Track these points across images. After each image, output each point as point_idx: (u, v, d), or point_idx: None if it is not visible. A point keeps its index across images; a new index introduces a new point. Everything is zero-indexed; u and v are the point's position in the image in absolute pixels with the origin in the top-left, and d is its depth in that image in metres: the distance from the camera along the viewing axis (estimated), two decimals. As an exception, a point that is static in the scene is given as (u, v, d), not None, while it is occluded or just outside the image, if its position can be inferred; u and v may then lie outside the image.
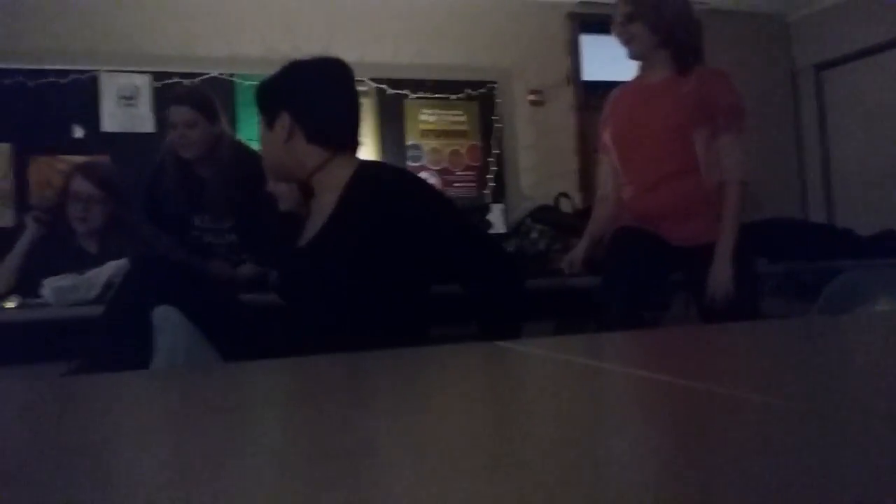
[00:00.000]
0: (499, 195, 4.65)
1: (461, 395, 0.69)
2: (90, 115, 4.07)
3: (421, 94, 4.65)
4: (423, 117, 4.66)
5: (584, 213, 2.86)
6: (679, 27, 2.33)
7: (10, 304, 2.05)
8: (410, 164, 4.52)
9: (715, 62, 2.53)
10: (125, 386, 0.91)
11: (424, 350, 1.17)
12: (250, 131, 4.29)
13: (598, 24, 4.66)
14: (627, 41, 2.38)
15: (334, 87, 1.72)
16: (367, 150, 4.41)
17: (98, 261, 2.19)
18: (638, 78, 2.46)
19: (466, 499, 0.34)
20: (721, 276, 2.19)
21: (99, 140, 4.05)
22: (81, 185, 2.39)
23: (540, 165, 4.81)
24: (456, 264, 1.66)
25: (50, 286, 2.06)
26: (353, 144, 1.75)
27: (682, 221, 2.31)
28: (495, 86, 4.78)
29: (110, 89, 4.12)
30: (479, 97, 4.75)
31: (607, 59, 5.00)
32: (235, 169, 2.47)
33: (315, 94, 1.70)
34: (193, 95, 2.58)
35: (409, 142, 4.62)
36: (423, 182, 1.82)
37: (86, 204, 2.38)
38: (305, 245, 1.67)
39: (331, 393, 0.75)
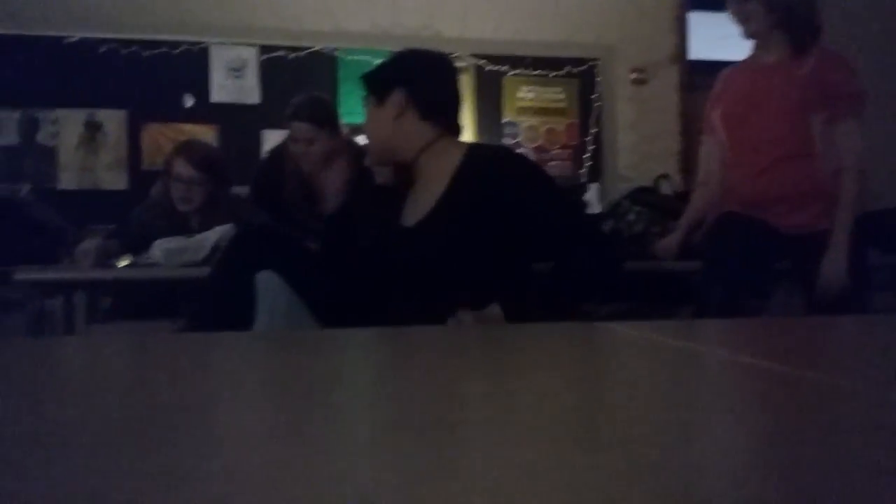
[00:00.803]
0: (595, 175, 4.58)
1: (556, 372, 0.68)
2: (200, 85, 4.23)
3: (520, 71, 4.60)
4: (521, 94, 4.61)
5: (684, 196, 2.78)
6: (797, 6, 2.22)
7: (123, 263, 2.17)
8: (505, 141, 4.50)
9: (834, 42, 2.39)
10: (226, 346, 0.95)
11: (523, 327, 1.17)
12: (351, 105, 4.37)
13: (708, 1, 4.49)
14: (743, 20, 2.29)
15: (445, 73, 1.75)
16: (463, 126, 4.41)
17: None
18: (752, 58, 2.36)
19: (551, 470, 0.34)
20: (835, 266, 2.10)
21: (207, 110, 4.21)
22: (183, 169, 2.48)
23: (639, 146, 4.69)
24: (558, 245, 1.62)
25: (160, 247, 2.16)
26: (458, 130, 1.76)
27: (792, 208, 2.21)
28: (597, 63, 4.68)
29: (219, 61, 4.26)
30: (579, 75, 4.66)
31: (716, 38, 4.81)
32: (352, 173, 2.51)
33: (429, 74, 1.73)
34: (315, 111, 2.59)
35: (506, 119, 4.59)
36: (534, 165, 1.80)
37: (187, 185, 2.46)
38: (414, 225, 1.67)
39: (426, 363, 0.76)
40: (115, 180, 4.12)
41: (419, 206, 1.69)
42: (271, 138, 4.23)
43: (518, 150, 4.30)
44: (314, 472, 0.33)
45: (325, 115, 2.58)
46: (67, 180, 4.06)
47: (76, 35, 4.07)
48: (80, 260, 2.25)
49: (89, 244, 2.28)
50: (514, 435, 0.41)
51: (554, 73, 4.59)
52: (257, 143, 4.19)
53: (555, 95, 4.61)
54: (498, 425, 0.43)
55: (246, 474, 0.33)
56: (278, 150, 2.79)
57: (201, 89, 4.23)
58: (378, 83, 1.72)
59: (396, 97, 1.68)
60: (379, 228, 1.81)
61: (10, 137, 4.02)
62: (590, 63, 4.67)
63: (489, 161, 1.64)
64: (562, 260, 1.60)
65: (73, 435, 0.41)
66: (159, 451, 0.37)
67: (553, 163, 4.53)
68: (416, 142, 1.68)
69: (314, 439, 0.40)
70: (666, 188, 2.87)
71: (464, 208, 1.59)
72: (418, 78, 1.71)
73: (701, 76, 4.56)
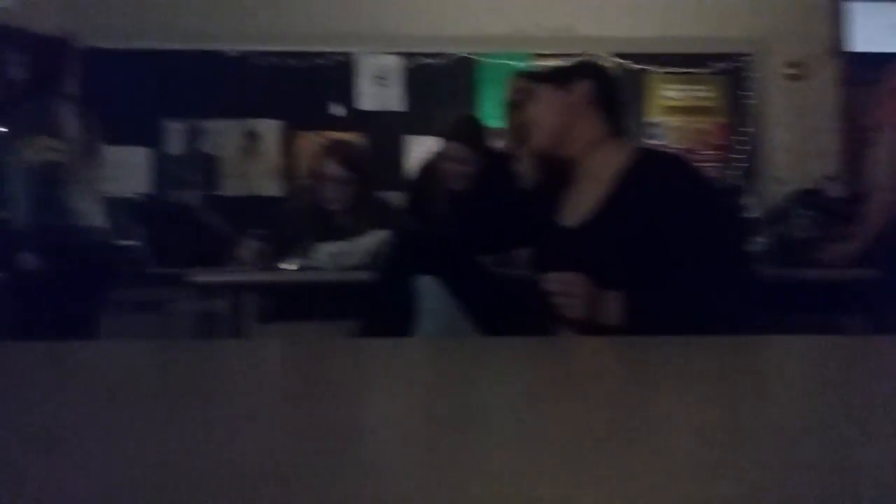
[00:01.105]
0: (747, 177, 4.37)
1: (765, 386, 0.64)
2: (348, 94, 4.38)
3: (665, 69, 4.46)
4: (665, 93, 4.48)
5: (852, 199, 2.60)
6: None
7: (290, 266, 2.28)
8: (649, 142, 4.38)
9: None
10: (387, 353, 0.96)
11: (751, 339, 1.11)
12: (491, 108, 4.38)
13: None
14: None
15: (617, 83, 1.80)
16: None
17: (351, 234, 2.35)
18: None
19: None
20: None
21: (355, 118, 4.35)
22: (332, 169, 2.54)
23: (795, 146, 4.44)
24: (704, 265, 1.56)
25: (325, 251, 2.25)
26: (623, 134, 1.73)
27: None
28: (748, 59, 4.47)
29: (365, 70, 4.40)
30: (729, 71, 4.47)
31: (879, 28, 4.49)
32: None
33: (612, 74, 1.77)
34: (469, 131, 2.60)
35: (651, 119, 4.46)
36: (704, 177, 1.75)
37: (337, 185, 2.53)
38: (577, 225, 1.64)
39: (612, 374, 0.74)
40: (271, 187, 4.34)
41: (580, 205, 1.65)
42: (416, 144, 4.33)
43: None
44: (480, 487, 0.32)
45: (477, 138, 2.58)
46: (228, 187, 4.31)
47: (236, 49, 4.32)
48: (244, 262, 2.38)
49: (250, 247, 2.40)
50: (697, 449, 0.39)
51: (701, 71, 4.43)
52: (403, 149, 4.29)
53: (703, 94, 4.44)
54: (685, 442, 0.41)
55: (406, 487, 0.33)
56: (429, 168, 2.82)
57: (350, 98, 4.38)
58: (562, 72, 1.73)
59: (582, 85, 1.67)
60: (535, 229, 1.79)
61: (177, 147, 4.32)
62: (741, 59, 4.47)
63: (660, 166, 1.59)
64: (700, 280, 1.53)
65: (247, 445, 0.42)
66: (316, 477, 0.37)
67: (702, 165, 4.36)
68: (588, 134, 1.65)
69: (478, 452, 0.39)
70: (833, 190, 2.70)
71: (631, 211, 1.54)
72: (605, 74, 1.74)
73: (863, 70, 4.26)
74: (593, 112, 1.66)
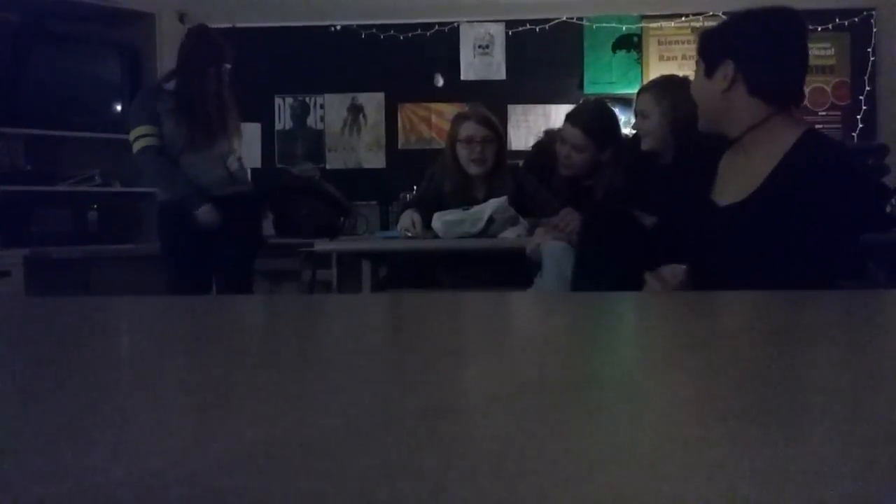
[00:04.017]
0: (868, 138, 4.13)
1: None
2: (451, 64, 4.38)
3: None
4: (780, 53, 4.26)
5: None
6: None
7: (409, 234, 2.32)
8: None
9: None
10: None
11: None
12: (596, 74, 4.30)
13: None
14: None
15: (785, 40, 1.55)
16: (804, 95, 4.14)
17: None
18: None
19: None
20: None
21: (457, 88, 4.35)
22: (473, 130, 2.52)
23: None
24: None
25: (440, 220, 2.27)
26: (797, 103, 1.60)
27: None
28: (872, 13, 4.20)
29: (468, 39, 4.38)
30: (850, 27, 4.21)
31: None
32: (620, 181, 2.43)
33: (764, 44, 1.54)
34: (592, 120, 2.51)
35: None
36: (862, 177, 1.65)
37: (479, 145, 2.51)
38: (730, 205, 1.58)
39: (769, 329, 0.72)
40: (374, 159, 4.41)
41: (737, 185, 1.58)
42: (516, 113, 4.31)
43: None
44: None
45: (598, 128, 2.48)
46: (333, 160, 4.40)
47: (340, 23, 4.39)
48: (404, 231, 2.40)
49: (408, 217, 2.42)
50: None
51: (822, 27, 4.19)
52: (504, 117, 4.26)
53: (821, 52, 4.20)
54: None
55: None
56: (543, 147, 2.78)
57: (452, 68, 4.38)
58: (708, 51, 1.58)
59: (726, 69, 1.53)
60: (689, 203, 1.72)
61: (286, 122, 4.44)
62: (864, 13, 4.20)
63: (820, 156, 1.49)
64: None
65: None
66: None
67: (820, 126, 4.14)
68: (744, 119, 1.54)
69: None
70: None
71: (783, 200, 1.47)
72: (750, 49, 1.54)
73: None
74: (744, 95, 1.52)
